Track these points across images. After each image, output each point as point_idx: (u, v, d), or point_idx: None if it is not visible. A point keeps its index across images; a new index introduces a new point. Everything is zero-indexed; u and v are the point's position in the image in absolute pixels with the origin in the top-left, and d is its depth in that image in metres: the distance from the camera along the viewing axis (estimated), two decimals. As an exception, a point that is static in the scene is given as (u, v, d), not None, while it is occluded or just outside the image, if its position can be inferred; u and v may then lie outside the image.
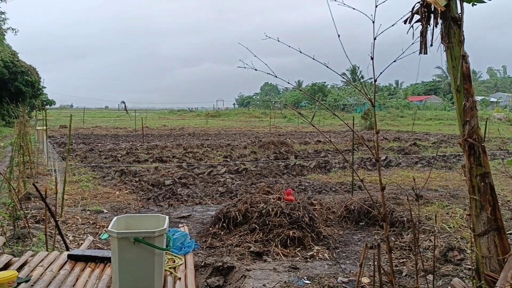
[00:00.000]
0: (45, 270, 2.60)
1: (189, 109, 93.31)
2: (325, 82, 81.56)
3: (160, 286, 2.32)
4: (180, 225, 4.12)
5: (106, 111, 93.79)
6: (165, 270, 2.45)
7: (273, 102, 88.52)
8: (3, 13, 24.57)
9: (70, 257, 2.76)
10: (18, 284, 2.38)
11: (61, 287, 2.42)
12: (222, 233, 5.91)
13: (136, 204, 7.91)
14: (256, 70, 3.32)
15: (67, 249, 3.95)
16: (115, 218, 2.43)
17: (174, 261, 2.62)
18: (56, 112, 69.29)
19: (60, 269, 2.63)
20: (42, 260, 2.74)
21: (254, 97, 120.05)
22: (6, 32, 25.51)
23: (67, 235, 5.87)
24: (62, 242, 4.84)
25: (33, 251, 3.16)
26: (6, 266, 2.65)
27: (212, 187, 9.52)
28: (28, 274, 2.53)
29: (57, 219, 5.33)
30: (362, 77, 68.60)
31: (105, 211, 7.40)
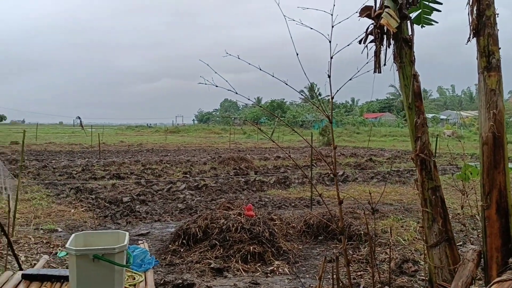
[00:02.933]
0: (-2, 291, 2.50)
1: (147, 125, 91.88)
2: (284, 99, 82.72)
3: (119, 304, 2.28)
4: (139, 242, 4.05)
5: (60, 127, 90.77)
6: (125, 287, 2.41)
7: (233, 118, 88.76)
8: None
9: (24, 276, 2.66)
10: (-31, 306, 2.28)
11: (15, 308, 2.33)
12: (182, 250, 5.84)
13: (92, 222, 7.68)
14: (217, 86, 3.36)
15: (20, 269, 3.79)
16: (73, 235, 2.37)
17: (134, 278, 2.59)
18: (7, 127, 66.39)
19: (13, 290, 2.54)
20: (-6, 281, 2.64)
21: (213, 113, 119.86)
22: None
23: (18, 255, 5.62)
24: (13, 262, 4.64)
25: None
26: (-45, 288, 2.54)
27: (172, 204, 9.41)
28: (-21, 296, 2.44)
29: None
30: (320, 94, 70.11)
31: (60, 229, 7.15)
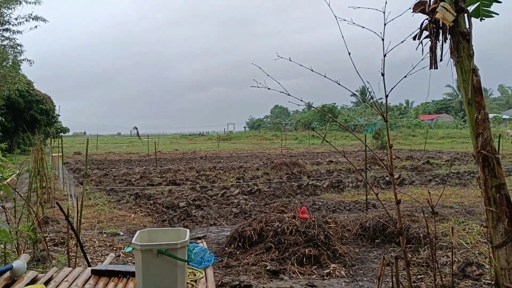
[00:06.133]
0: (70, 285, 2.66)
1: (200, 133, 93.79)
2: (335, 103, 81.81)
3: (182, 298, 2.37)
4: (198, 241, 4.18)
5: (118, 137, 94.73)
6: (187, 282, 2.49)
7: (284, 124, 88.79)
8: (20, 45, 25.25)
9: (93, 272, 2.81)
10: (46, 298, 2.45)
11: (86, 301, 2.48)
12: (238, 252, 5.93)
13: (151, 226, 7.96)
14: (269, 89, 3.41)
15: (89, 265, 4.01)
16: (138, 232, 2.49)
17: (195, 274, 2.67)
18: (70, 139, 70.20)
19: (84, 284, 2.69)
20: (67, 275, 2.81)
21: (264, 119, 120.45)
22: (21, 63, 26.22)
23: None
24: (83, 260, 4.90)
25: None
26: (33, 282, 2.72)
27: (226, 208, 9.55)
28: (55, 289, 2.61)
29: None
30: (372, 97, 68.64)
31: (121, 233, 7.46)
